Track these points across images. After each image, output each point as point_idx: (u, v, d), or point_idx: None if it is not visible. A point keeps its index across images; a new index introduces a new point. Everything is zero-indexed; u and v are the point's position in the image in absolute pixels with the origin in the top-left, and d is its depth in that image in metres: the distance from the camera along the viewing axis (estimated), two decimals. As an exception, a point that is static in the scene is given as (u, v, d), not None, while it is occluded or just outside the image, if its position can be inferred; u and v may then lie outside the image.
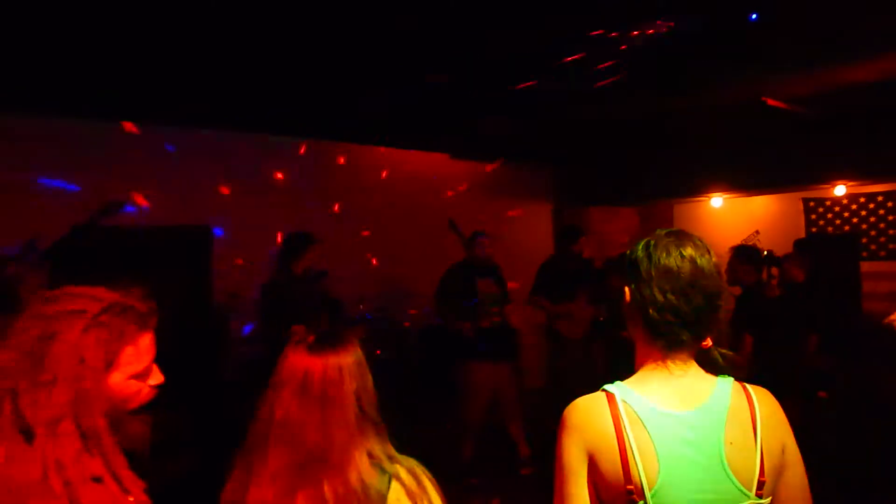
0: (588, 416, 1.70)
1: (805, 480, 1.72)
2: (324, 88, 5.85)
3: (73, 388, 1.52)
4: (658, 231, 1.83)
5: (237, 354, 6.53)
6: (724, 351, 1.81)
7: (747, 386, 1.76)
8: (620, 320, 1.91)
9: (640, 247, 1.79)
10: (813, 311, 6.04)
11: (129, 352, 1.62)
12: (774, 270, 6.82)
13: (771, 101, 6.52)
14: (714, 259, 1.77)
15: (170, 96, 5.78)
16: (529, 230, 9.72)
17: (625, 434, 1.63)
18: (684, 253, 1.73)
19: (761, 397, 1.74)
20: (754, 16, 4.36)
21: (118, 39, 4.56)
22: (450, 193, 8.71)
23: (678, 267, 1.71)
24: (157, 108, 6.06)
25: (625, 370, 1.83)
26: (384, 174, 8.29)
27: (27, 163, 5.80)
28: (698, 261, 1.72)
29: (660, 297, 1.70)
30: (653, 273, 1.72)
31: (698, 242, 1.77)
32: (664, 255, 1.73)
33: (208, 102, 6.06)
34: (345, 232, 7.74)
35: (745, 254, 6.18)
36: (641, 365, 1.78)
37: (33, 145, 5.83)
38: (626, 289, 1.79)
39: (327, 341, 2.01)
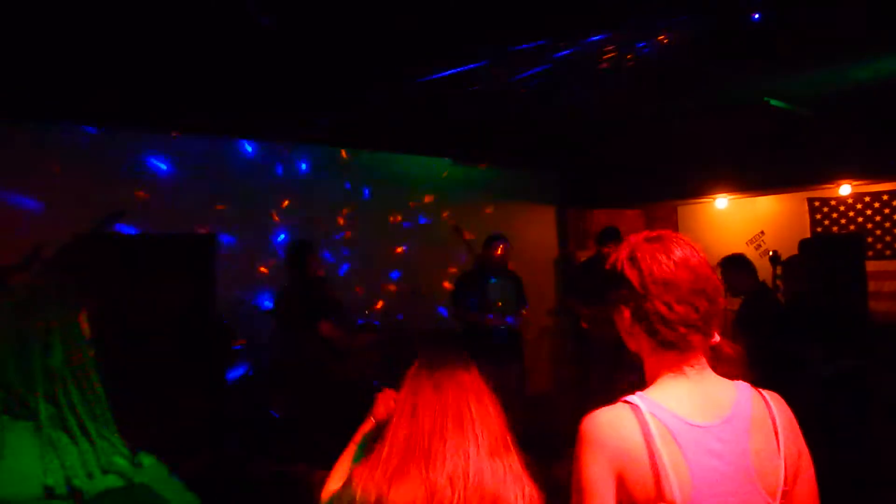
0: (614, 430, 1.60)
1: (815, 485, 1.67)
2: (327, 92, 5.85)
3: (63, 349, 1.70)
4: (632, 239, 1.76)
5: (241, 361, 6.53)
6: (732, 345, 1.76)
7: (762, 391, 1.70)
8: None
9: (625, 260, 1.71)
10: (816, 318, 5.97)
11: (82, 319, 1.80)
12: (779, 270, 6.80)
13: (774, 102, 6.51)
14: (702, 253, 1.70)
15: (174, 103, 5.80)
16: (534, 233, 9.70)
17: (656, 449, 1.56)
18: (675, 258, 1.65)
19: (777, 403, 1.69)
20: (757, 16, 4.35)
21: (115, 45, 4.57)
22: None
23: (675, 275, 1.63)
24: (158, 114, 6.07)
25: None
26: (388, 179, 8.29)
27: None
28: (690, 262, 1.66)
29: (665, 311, 1.63)
30: (650, 287, 1.64)
31: (682, 241, 1.70)
32: (656, 265, 1.65)
33: (209, 108, 6.06)
34: (349, 239, 7.74)
35: (733, 263, 6.06)
36: (656, 376, 1.70)
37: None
38: (623, 308, 1.70)
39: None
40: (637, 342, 1.73)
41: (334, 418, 5.20)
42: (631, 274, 1.68)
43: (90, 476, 1.58)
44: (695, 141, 8.39)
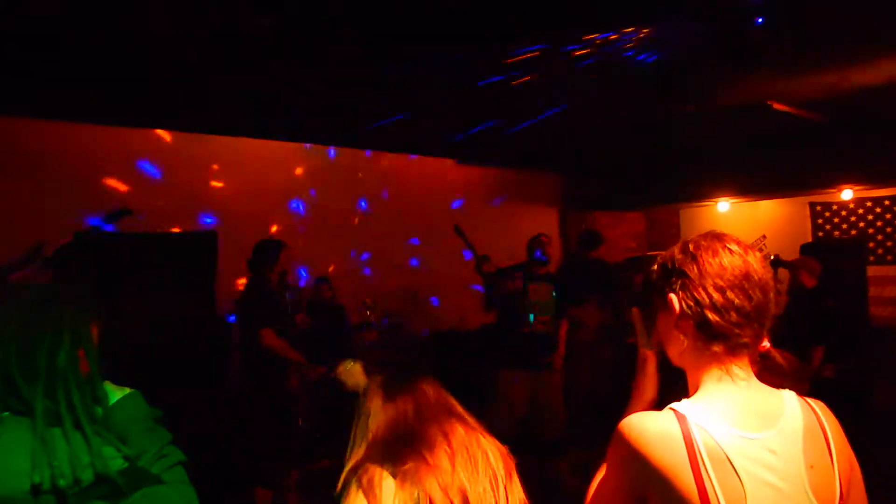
0: (652, 444, 1.48)
1: (866, 497, 1.58)
2: (329, 94, 5.86)
3: (69, 353, 1.73)
4: (684, 239, 1.66)
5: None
6: (784, 353, 1.67)
7: (808, 400, 1.60)
8: (628, 326, 1.78)
9: (678, 251, 1.62)
10: (820, 322, 5.96)
11: (94, 329, 1.84)
12: (782, 276, 6.79)
13: (777, 106, 6.50)
14: (759, 254, 1.61)
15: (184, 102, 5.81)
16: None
17: (702, 465, 1.44)
18: (731, 248, 1.57)
19: (825, 412, 1.59)
20: (760, 20, 4.34)
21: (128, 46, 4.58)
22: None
23: (731, 263, 1.54)
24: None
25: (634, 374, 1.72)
26: (391, 180, 8.30)
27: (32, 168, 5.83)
28: (745, 255, 1.56)
29: (717, 296, 1.52)
30: (706, 272, 1.54)
31: (738, 240, 1.61)
32: (710, 254, 1.56)
33: (218, 107, 6.08)
34: (352, 239, 7.75)
35: None
36: (701, 382, 1.59)
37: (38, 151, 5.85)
38: (672, 297, 1.59)
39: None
40: (682, 342, 1.60)
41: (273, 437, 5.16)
42: (683, 263, 1.59)
43: (78, 479, 1.57)
44: (697, 144, 8.39)
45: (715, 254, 1.57)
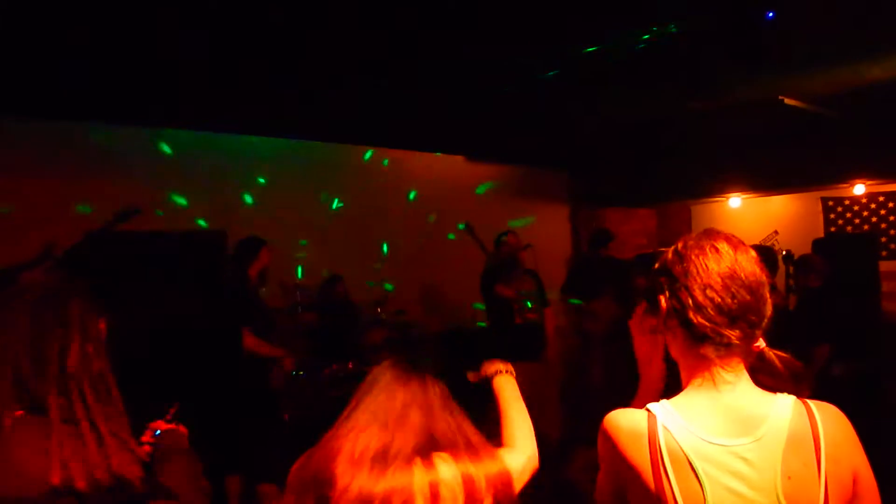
0: (624, 443, 1.52)
1: None
2: (336, 90, 5.86)
3: (80, 350, 1.72)
4: (682, 237, 1.67)
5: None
6: (781, 354, 1.64)
7: (811, 403, 1.55)
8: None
9: (671, 252, 1.63)
10: (826, 320, 5.91)
11: (102, 325, 1.83)
12: (791, 270, 6.76)
13: (789, 101, 6.47)
14: (753, 253, 1.59)
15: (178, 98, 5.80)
16: (547, 233, 9.67)
17: (662, 469, 1.45)
18: (719, 248, 1.56)
19: (827, 417, 1.53)
20: (771, 14, 4.33)
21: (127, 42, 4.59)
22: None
23: (716, 263, 1.53)
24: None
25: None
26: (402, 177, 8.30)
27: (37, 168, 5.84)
28: (735, 255, 1.55)
29: (699, 296, 1.51)
30: (688, 273, 1.55)
31: (732, 238, 1.60)
32: (696, 254, 1.56)
33: (223, 105, 6.08)
34: (361, 236, 7.74)
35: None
36: (687, 381, 1.59)
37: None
38: (661, 297, 1.60)
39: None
40: (674, 340, 1.62)
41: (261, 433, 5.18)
42: (672, 264, 1.60)
43: (95, 480, 1.56)
44: (708, 140, 8.35)
45: (700, 254, 1.57)
